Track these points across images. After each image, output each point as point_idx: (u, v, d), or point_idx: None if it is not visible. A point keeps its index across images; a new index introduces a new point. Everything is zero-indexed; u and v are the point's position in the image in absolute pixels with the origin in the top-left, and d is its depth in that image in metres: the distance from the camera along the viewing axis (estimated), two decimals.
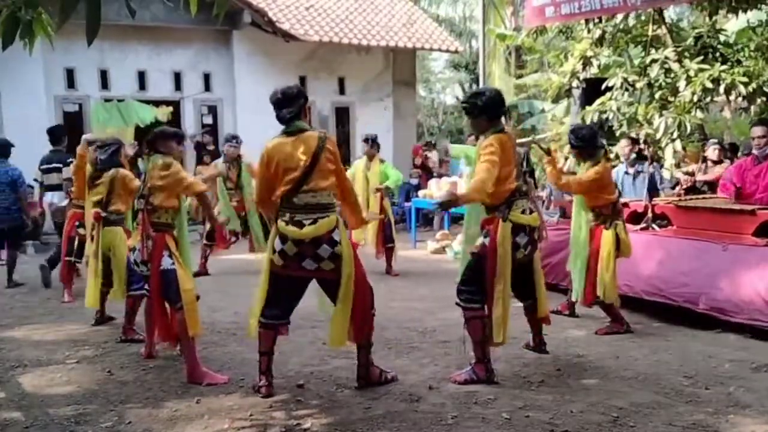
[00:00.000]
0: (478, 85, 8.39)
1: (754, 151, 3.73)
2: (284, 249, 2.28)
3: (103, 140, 3.57)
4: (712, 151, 4.85)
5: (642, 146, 4.93)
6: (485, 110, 2.48)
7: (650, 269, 3.56)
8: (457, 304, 2.54)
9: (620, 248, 3.20)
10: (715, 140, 5.31)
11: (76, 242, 4.05)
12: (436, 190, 6.87)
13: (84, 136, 3.93)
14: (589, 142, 3.19)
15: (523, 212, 2.48)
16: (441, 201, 2.39)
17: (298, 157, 2.28)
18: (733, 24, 6.29)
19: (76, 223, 4.05)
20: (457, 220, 7.01)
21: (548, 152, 3.22)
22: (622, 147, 4.42)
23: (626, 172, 4.45)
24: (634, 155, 4.31)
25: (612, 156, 5.50)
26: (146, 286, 2.82)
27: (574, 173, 3.49)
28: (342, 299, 2.30)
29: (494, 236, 2.44)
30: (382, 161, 5.08)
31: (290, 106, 2.34)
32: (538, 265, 2.66)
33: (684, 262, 3.43)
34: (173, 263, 2.63)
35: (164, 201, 2.67)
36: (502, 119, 2.52)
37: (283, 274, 2.34)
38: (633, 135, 4.94)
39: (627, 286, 3.61)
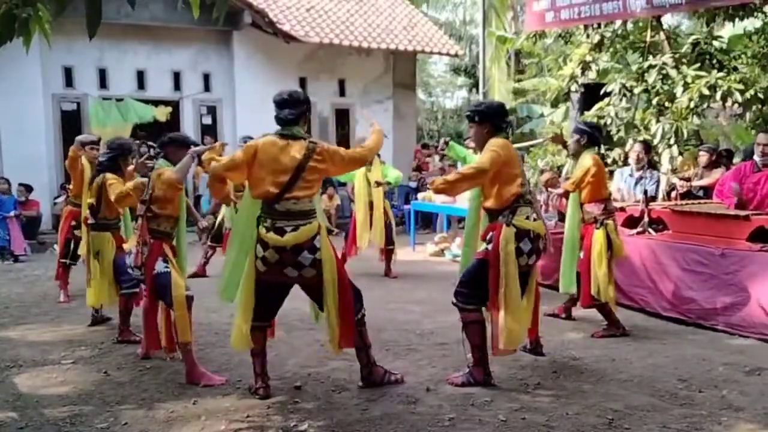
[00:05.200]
0: (478, 89, 8.43)
1: (756, 158, 3.71)
2: (265, 256, 2.27)
3: (110, 142, 3.52)
4: (701, 157, 4.90)
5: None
6: (489, 118, 2.53)
7: (657, 282, 3.64)
8: (453, 304, 2.54)
9: (612, 248, 3.24)
10: (706, 146, 5.35)
11: (72, 244, 4.05)
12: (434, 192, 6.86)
13: (78, 138, 3.93)
14: (597, 130, 3.40)
15: (527, 218, 2.48)
16: (431, 186, 2.50)
17: (284, 164, 2.26)
18: (728, 30, 6.34)
19: (72, 223, 4.05)
20: (456, 222, 7.03)
21: (556, 139, 3.57)
22: (635, 151, 4.32)
23: (630, 175, 4.40)
24: (645, 162, 4.17)
25: (610, 161, 5.57)
26: (143, 286, 2.81)
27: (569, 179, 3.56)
28: (329, 306, 2.29)
29: (497, 241, 2.44)
30: (382, 162, 5.09)
31: (293, 109, 2.34)
32: (535, 276, 2.64)
33: (687, 275, 3.49)
34: (167, 266, 2.63)
35: (164, 209, 2.67)
36: (507, 131, 2.56)
37: (265, 280, 2.34)
38: (640, 139, 4.88)
39: (643, 301, 3.73)
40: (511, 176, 2.46)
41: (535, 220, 2.50)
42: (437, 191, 2.53)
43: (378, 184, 4.79)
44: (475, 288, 2.48)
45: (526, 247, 2.46)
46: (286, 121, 2.34)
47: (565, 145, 3.53)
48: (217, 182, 2.44)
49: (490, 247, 2.48)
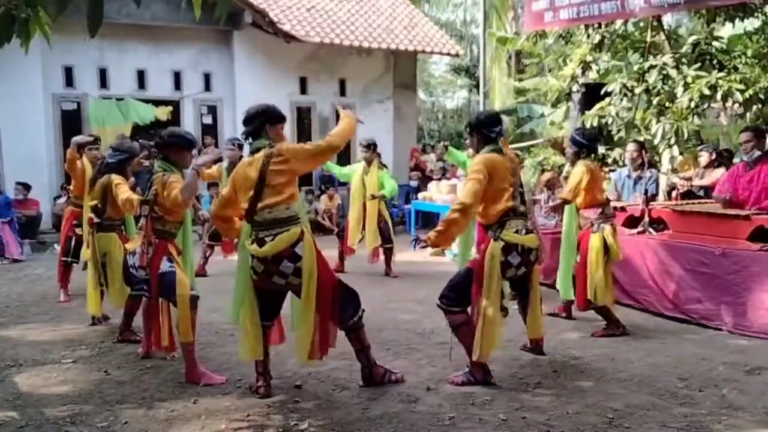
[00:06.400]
0: (479, 89, 8.43)
1: (744, 157, 3.76)
2: (253, 266, 2.31)
3: (118, 144, 3.49)
4: (701, 157, 4.94)
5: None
6: (477, 129, 2.59)
7: (659, 282, 3.65)
8: (438, 306, 2.57)
9: (609, 252, 3.24)
10: (706, 146, 5.35)
11: (73, 242, 4.05)
12: (436, 192, 6.90)
13: (74, 139, 3.92)
14: (594, 141, 3.38)
15: (516, 232, 2.48)
16: (428, 242, 2.46)
17: (251, 177, 2.30)
18: (728, 29, 6.34)
19: (74, 222, 4.05)
20: None
21: (554, 144, 3.46)
22: (629, 151, 4.36)
23: (628, 176, 4.42)
24: (640, 161, 4.19)
25: (610, 161, 5.57)
26: (145, 287, 2.81)
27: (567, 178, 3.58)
28: (302, 315, 2.29)
29: (483, 255, 2.48)
30: (383, 166, 5.07)
31: (247, 125, 2.38)
32: (536, 283, 2.64)
33: (688, 275, 3.50)
34: (172, 266, 2.63)
35: (169, 214, 2.67)
36: (498, 140, 2.55)
37: (260, 287, 2.36)
38: (639, 139, 4.91)
39: (646, 301, 3.74)
40: (497, 192, 2.47)
41: (527, 232, 2.50)
42: (435, 246, 2.53)
43: (373, 197, 4.82)
44: (461, 293, 2.51)
45: (515, 260, 2.48)
46: (249, 137, 2.39)
47: (563, 151, 3.55)
48: (221, 222, 2.48)
49: (478, 257, 2.52)
